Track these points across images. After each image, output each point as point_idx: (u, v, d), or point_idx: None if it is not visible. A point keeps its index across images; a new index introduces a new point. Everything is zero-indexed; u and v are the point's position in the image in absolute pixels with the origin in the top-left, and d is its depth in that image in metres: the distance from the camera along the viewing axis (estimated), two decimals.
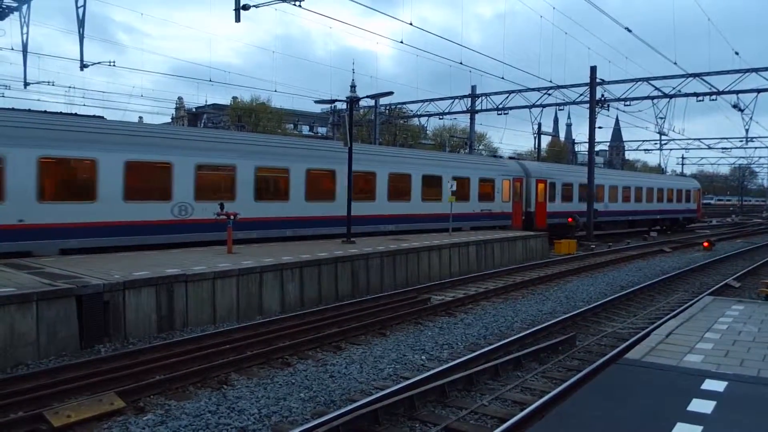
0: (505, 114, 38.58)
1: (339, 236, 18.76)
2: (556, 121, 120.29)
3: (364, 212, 20.34)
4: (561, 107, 38.85)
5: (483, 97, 39.49)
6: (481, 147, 71.69)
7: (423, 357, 9.74)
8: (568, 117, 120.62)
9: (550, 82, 34.15)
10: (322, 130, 68.57)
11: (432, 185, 23.35)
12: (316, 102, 22.02)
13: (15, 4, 22.34)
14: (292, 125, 66.33)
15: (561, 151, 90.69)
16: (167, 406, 7.28)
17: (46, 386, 7.56)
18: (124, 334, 10.25)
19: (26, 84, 25.14)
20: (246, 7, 18.39)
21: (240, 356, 9.13)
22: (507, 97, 37.88)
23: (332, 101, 23.77)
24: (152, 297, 10.73)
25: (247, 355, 9.20)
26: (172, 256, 13.93)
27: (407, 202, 22.23)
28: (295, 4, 18.61)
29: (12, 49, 23.93)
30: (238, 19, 18.43)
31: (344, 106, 27.29)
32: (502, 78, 28.76)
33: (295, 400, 7.58)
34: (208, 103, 59.80)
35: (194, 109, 63.68)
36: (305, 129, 70.59)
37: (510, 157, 36.03)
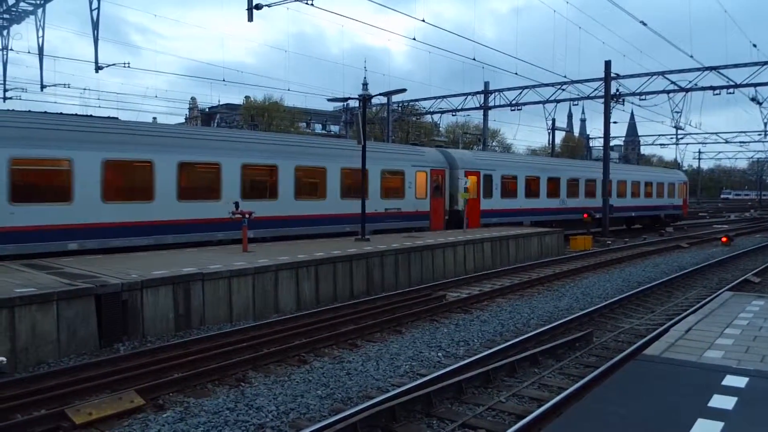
0: (518, 110, 38.44)
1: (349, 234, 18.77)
2: (570, 116, 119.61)
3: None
4: (575, 102, 38.55)
5: (496, 93, 39.37)
6: (494, 143, 71.45)
7: (439, 354, 9.74)
8: (583, 112, 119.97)
9: (564, 77, 33.98)
10: (334, 129, 68.69)
11: (310, 179, 19.08)
12: (329, 100, 22.03)
13: (30, 8, 22.63)
14: (304, 124, 66.50)
15: (576, 147, 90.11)
16: (186, 403, 7.35)
17: (67, 384, 7.66)
18: (142, 333, 10.36)
19: (42, 86, 25.43)
20: (258, 7, 18.47)
21: (257, 354, 9.18)
22: (520, 92, 37.71)
23: (345, 99, 23.80)
24: (169, 296, 10.82)
25: (264, 353, 9.25)
26: (189, 255, 14.04)
27: (274, 201, 17.80)
28: (307, 3, 18.66)
29: (28, 52, 24.26)
30: (250, 18, 18.53)
31: (357, 104, 27.33)
32: (516, 74, 28.65)
33: (312, 397, 7.61)
34: (221, 102, 60.14)
35: (207, 109, 64.06)
36: (318, 127, 70.75)
37: (438, 146, 30.72)
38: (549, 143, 53.67)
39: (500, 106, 39.65)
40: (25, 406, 6.98)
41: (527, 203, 27.47)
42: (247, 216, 14.99)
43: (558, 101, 38.05)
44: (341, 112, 48.51)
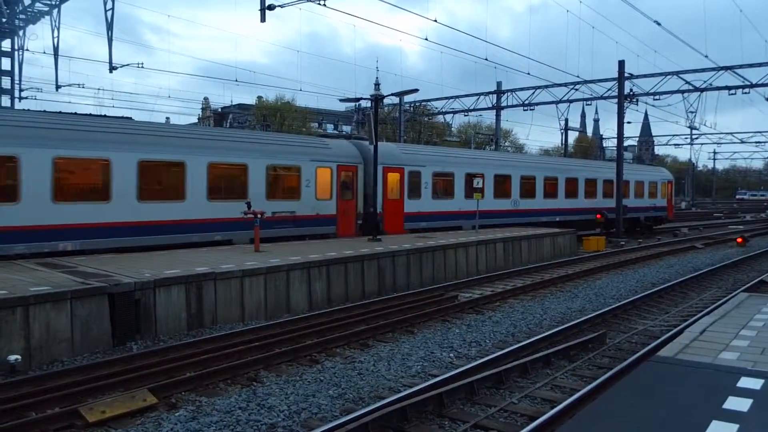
0: (531, 110, 38.30)
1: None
2: (583, 116, 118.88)
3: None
4: (588, 102, 38.37)
5: (509, 93, 39.27)
6: (507, 143, 71.21)
7: (451, 355, 9.71)
8: (596, 112, 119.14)
9: (578, 77, 33.80)
10: (346, 129, 68.75)
11: (159, 176, 15.82)
12: (341, 100, 22.06)
13: (46, 9, 22.87)
14: (316, 124, 66.66)
15: (589, 147, 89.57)
16: (198, 402, 7.38)
17: (80, 383, 7.72)
18: (155, 332, 10.41)
19: (57, 86, 25.68)
20: (271, 7, 18.54)
21: (269, 353, 9.20)
22: (533, 92, 37.63)
23: (357, 99, 23.84)
24: (182, 295, 10.87)
25: (276, 353, 9.27)
26: (201, 254, 14.10)
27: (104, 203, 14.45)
28: (319, 3, 18.70)
29: (44, 52, 24.50)
30: (263, 19, 18.60)
31: (369, 104, 27.33)
32: (528, 74, 28.53)
33: (323, 397, 7.62)
34: (233, 103, 60.40)
35: (220, 109, 64.37)
36: (330, 127, 70.88)
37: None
38: (562, 143, 53.42)
39: (513, 106, 39.56)
40: (40, 404, 7.04)
41: (468, 205, 22.92)
42: (259, 216, 15.04)
43: (571, 101, 37.92)
44: (353, 112, 48.56)
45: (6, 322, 8.56)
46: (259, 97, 62.73)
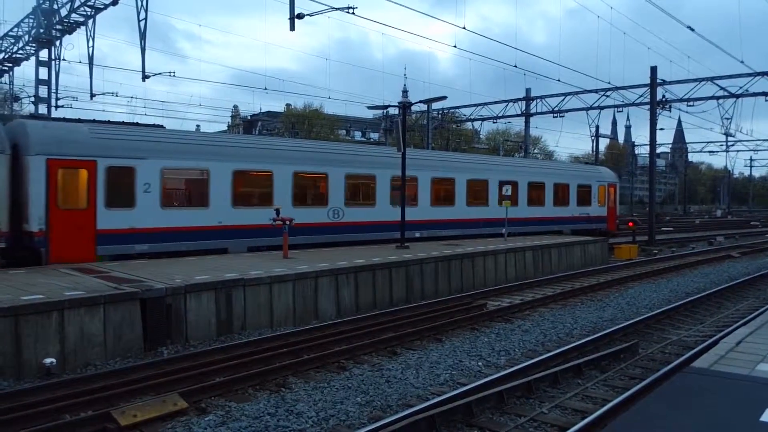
0: (561, 117, 37.94)
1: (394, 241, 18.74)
2: (614, 123, 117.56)
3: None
4: (620, 109, 37.81)
5: (538, 100, 38.97)
6: (536, 151, 70.61)
7: (480, 363, 9.62)
8: (627, 119, 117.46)
9: (609, 83, 33.39)
10: (374, 136, 69.00)
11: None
12: (369, 108, 22.19)
13: (82, 19, 23.48)
14: (344, 131, 67.03)
15: (620, 154, 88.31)
16: (227, 407, 7.44)
17: (113, 386, 7.85)
18: (185, 337, 10.54)
19: (92, 95, 26.31)
20: (300, 16, 18.73)
21: (297, 360, 9.25)
22: (563, 99, 37.29)
23: (385, 107, 23.91)
24: (212, 301, 11.00)
25: (304, 359, 9.31)
26: (230, 260, 14.26)
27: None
28: (348, 12, 18.85)
29: (80, 62, 25.18)
30: (292, 27, 18.79)
31: (397, 111, 27.39)
32: (559, 80, 28.26)
33: (351, 404, 7.61)
34: (262, 110, 61.13)
35: (249, 117, 65.19)
36: (357, 134, 71.20)
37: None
38: (593, 151, 52.76)
39: (542, 112, 39.23)
40: (73, 406, 7.18)
41: (241, 215, 16.34)
42: (288, 222, 15.15)
43: (602, 108, 37.42)
44: (381, 119, 48.70)
45: (42, 326, 8.77)
46: (288, 105, 63.39)
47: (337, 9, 18.77)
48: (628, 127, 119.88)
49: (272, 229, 15.91)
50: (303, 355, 9.59)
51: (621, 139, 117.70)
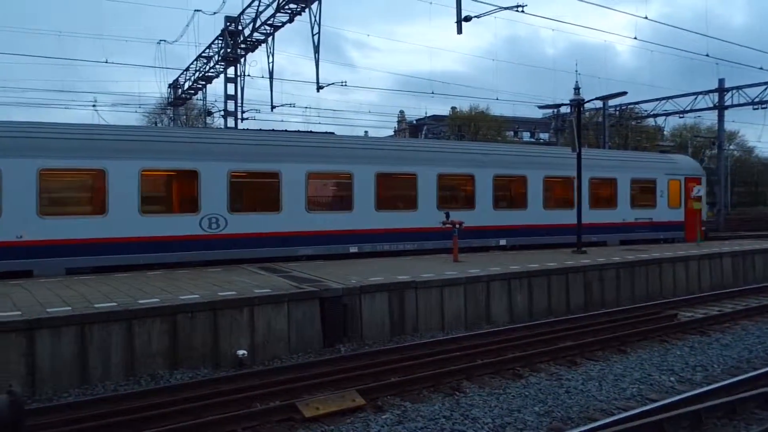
0: (763, 108, 33.70)
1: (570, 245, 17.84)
2: None
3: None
4: None
5: (734, 91, 34.96)
6: (731, 147, 63.47)
7: (672, 378, 8.71)
8: None
9: None
10: (543, 136, 66.74)
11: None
12: (540, 107, 21.53)
13: (263, 37, 25.50)
14: (512, 132, 65.62)
15: None
16: (403, 407, 7.45)
17: (296, 379, 8.27)
18: (361, 336, 10.84)
19: (273, 107, 28.46)
20: (467, 19, 18.55)
21: (470, 364, 9.05)
22: (765, 88, 33.06)
23: (557, 105, 22.95)
24: (385, 302, 11.20)
25: (478, 364, 9.08)
26: (400, 263, 14.47)
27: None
28: (517, 10, 18.35)
29: (261, 76, 27.40)
30: (459, 31, 18.66)
31: (569, 110, 26.12)
32: (761, 68, 25.03)
33: (529, 413, 7.25)
34: (427, 114, 61.90)
35: (414, 121, 66.41)
36: (526, 135, 69.35)
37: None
38: None
39: (739, 105, 35.13)
40: (262, 396, 7.65)
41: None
42: (457, 226, 15.05)
43: None
44: (550, 119, 46.87)
45: (236, 320, 9.52)
46: (453, 108, 63.51)
47: (505, 8, 18.36)
48: None
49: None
50: (477, 359, 9.37)
51: None
